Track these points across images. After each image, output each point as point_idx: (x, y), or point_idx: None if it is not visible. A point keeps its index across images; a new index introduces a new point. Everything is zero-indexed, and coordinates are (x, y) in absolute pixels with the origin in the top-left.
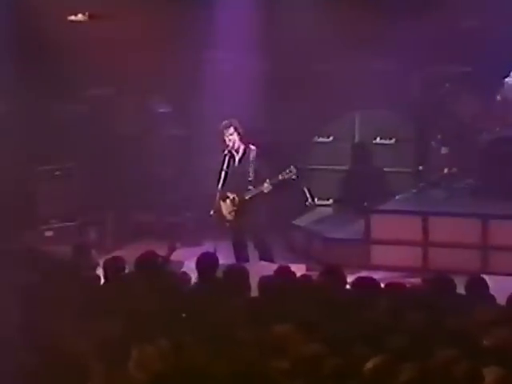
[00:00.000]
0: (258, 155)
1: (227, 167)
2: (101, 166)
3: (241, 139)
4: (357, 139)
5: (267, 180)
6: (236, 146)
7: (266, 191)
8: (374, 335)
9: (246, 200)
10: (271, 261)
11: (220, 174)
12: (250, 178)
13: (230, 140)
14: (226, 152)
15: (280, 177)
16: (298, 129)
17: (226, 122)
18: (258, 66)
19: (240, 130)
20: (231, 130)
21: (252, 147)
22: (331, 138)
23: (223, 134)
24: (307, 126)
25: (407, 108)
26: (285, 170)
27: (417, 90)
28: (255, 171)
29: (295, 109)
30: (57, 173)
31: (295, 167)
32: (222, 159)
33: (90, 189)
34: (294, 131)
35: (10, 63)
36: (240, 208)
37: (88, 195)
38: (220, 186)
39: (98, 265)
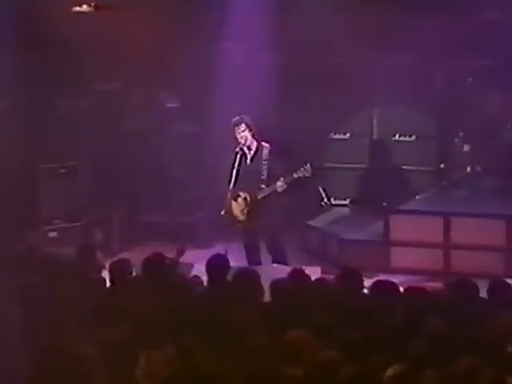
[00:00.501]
0: (271, 153)
1: (239, 165)
2: (107, 164)
3: (253, 136)
4: (375, 136)
5: (281, 178)
6: (248, 143)
7: (279, 190)
8: (393, 342)
9: (259, 199)
10: (285, 263)
11: (231, 172)
12: (262, 177)
13: (241, 137)
14: (237, 149)
15: (295, 175)
16: (313, 125)
17: (237, 118)
18: (272, 60)
19: (252, 127)
20: (243, 126)
21: (265, 144)
22: (348, 135)
23: (234, 131)
24: (323, 122)
25: (428, 103)
26: (299, 168)
27: (438, 85)
28: (268, 169)
29: (310, 104)
30: (61, 171)
31: (310, 165)
32: (233, 157)
33: (96, 187)
34: (309, 127)
35: (11, 56)
36: (252, 208)
37: (93, 194)
38: (231, 185)
39: (103, 267)
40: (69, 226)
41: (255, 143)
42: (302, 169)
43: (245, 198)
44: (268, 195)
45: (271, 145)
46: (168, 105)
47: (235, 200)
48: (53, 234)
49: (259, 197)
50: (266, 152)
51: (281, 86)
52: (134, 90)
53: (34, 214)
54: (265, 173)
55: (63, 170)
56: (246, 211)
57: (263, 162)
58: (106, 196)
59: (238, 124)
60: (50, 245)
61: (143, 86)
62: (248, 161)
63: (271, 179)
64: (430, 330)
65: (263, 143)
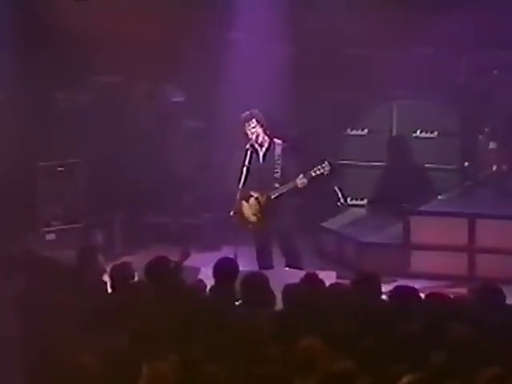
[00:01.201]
0: (284, 149)
1: (249, 163)
2: (108, 162)
3: (265, 132)
4: (395, 132)
5: (301, 175)
6: (260, 139)
7: (300, 186)
8: (412, 351)
9: (272, 199)
10: (298, 267)
11: (241, 170)
12: (276, 175)
13: (252, 133)
14: (247, 146)
15: (312, 173)
16: (328, 120)
17: (247, 113)
18: (284, 50)
19: (263, 122)
20: (253, 122)
21: (277, 141)
22: (366, 131)
23: (244, 127)
24: (339, 118)
25: (451, 97)
26: (317, 166)
27: (462, 78)
28: (282, 167)
29: (326, 98)
30: (59, 169)
31: (329, 162)
32: (243, 154)
33: (96, 187)
34: (324, 123)
35: (7, 48)
36: (265, 208)
37: (94, 194)
38: (241, 184)
39: (104, 272)
40: (68, 227)
41: (267, 140)
42: (319, 166)
43: (257, 198)
44: (281, 195)
45: (284, 141)
46: (173, 99)
47: (247, 200)
48: (51, 237)
49: (273, 196)
50: (279, 149)
51: (294, 78)
52: (137, 83)
53: (30, 214)
54: (278, 171)
55: (62, 168)
56: (258, 212)
57: (276, 160)
58: (108, 196)
59: (248, 120)
60: (48, 248)
61: (147, 78)
62: (260, 158)
63: (285, 178)
64: (452, 338)
65: (276, 140)
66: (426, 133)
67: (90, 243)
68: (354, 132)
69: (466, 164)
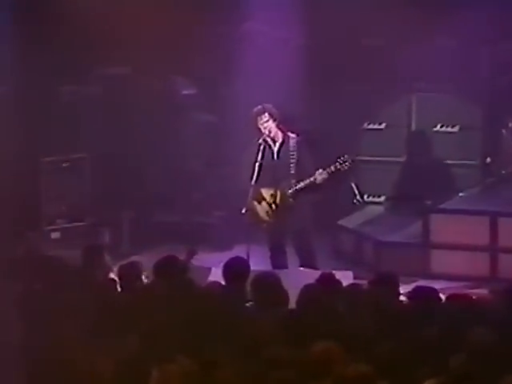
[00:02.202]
0: (299, 144)
1: (262, 159)
2: (115, 157)
3: (278, 126)
4: (414, 127)
5: (320, 170)
6: (273, 134)
7: (319, 181)
8: (432, 355)
9: (287, 196)
10: (313, 267)
11: (254, 166)
12: (291, 171)
13: (265, 128)
14: (260, 141)
15: (332, 168)
16: (344, 114)
17: (259, 107)
18: (298, 41)
19: (276, 116)
20: (266, 116)
21: (292, 135)
22: (384, 125)
23: (257, 122)
24: (356, 111)
25: (473, 90)
26: (337, 161)
27: (485, 70)
28: (297, 163)
29: (342, 91)
30: (64, 164)
31: (348, 156)
32: (255, 149)
33: (104, 183)
34: (339, 116)
35: (9, 38)
36: (280, 206)
37: (101, 191)
38: (254, 180)
39: (111, 272)
40: (73, 226)
41: (280, 134)
42: (340, 160)
43: (272, 195)
44: (298, 191)
45: (298, 135)
46: (184, 92)
47: (260, 198)
48: (55, 235)
49: (289, 192)
50: (293, 144)
51: (309, 70)
52: (146, 75)
53: (34, 212)
54: (293, 167)
55: (67, 164)
56: (271, 210)
57: (290, 155)
58: (115, 193)
59: (260, 114)
60: (52, 247)
61: (156, 70)
62: (274, 154)
63: (300, 173)
64: (474, 342)
65: (290, 134)
66: (447, 127)
67: (96, 242)
68: (371, 126)
69: (489, 160)
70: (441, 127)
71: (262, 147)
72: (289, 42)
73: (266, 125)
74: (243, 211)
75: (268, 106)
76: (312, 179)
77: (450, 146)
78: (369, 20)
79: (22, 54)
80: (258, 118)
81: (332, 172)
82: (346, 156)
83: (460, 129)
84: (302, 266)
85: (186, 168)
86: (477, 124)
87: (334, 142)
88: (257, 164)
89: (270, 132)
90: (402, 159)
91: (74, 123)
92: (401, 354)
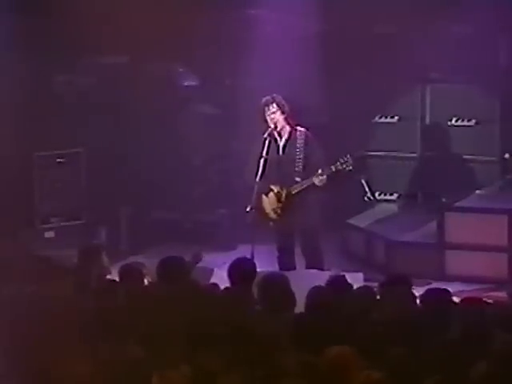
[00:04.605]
0: (307, 138)
1: (267, 154)
2: (113, 152)
3: (286, 119)
4: (428, 120)
5: (319, 170)
6: (279, 127)
7: (318, 184)
8: (448, 361)
9: (294, 194)
10: (322, 268)
11: (258, 162)
12: (297, 168)
13: (272, 119)
14: (265, 135)
15: (333, 168)
16: (355, 106)
17: (268, 97)
18: (307, 28)
19: (285, 108)
20: (273, 107)
21: (300, 129)
22: (396, 119)
23: (264, 113)
24: (367, 103)
25: (491, 82)
26: (338, 160)
27: (503, 60)
28: (304, 159)
29: (352, 81)
30: (59, 160)
31: (351, 156)
32: (261, 144)
33: (101, 180)
34: (349, 109)
35: (3, 27)
36: (287, 204)
37: (98, 187)
38: (259, 176)
39: (109, 273)
40: (68, 224)
41: (288, 128)
42: (341, 160)
43: (277, 193)
44: (303, 189)
45: (307, 129)
46: (186, 83)
47: (266, 195)
48: (50, 234)
49: (294, 191)
50: (301, 138)
51: (316, 59)
52: (145, 65)
53: (27, 210)
54: (300, 163)
55: (62, 159)
56: (279, 208)
57: (297, 151)
58: (112, 189)
59: (268, 104)
60: (47, 246)
61: (156, 59)
62: (280, 149)
63: (308, 170)
64: (492, 347)
65: (298, 127)
66: (463, 121)
67: (92, 242)
68: (383, 119)
69: (507, 156)
70: (456, 121)
71: (267, 141)
72: (296, 29)
73: (273, 116)
74: (248, 209)
75: (277, 96)
76: (310, 182)
77: (466, 140)
78: (381, 6)
79: (12, 43)
80: (266, 109)
81: (333, 173)
82: (347, 157)
83: (477, 122)
84: (309, 268)
85: (188, 163)
86: (494, 117)
87: (344, 136)
88: (261, 160)
89: (276, 124)
90: (415, 154)
91: (69, 116)
92: (414, 361)
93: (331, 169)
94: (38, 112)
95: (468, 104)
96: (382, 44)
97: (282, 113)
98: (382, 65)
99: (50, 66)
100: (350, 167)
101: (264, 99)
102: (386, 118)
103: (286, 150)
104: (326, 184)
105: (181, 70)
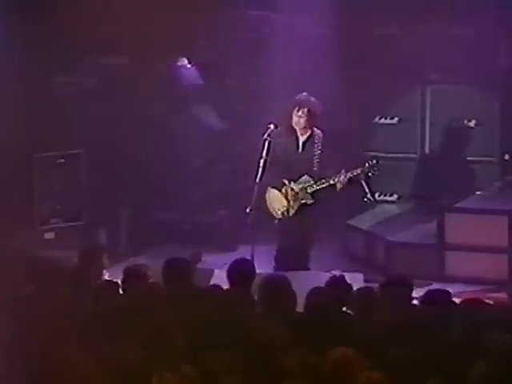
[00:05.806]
0: (324, 141)
1: (267, 154)
2: (113, 153)
3: (307, 121)
4: (428, 121)
5: (342, 171)
6: (302, 126)
7: (338, 186)
8: (449, 363)
9: (307, 195)
10: (321, 269)
11: (259, 162)
12: (314, 168)
13: (299, 117)
14: (265, 136)
15: (354, 172)
16: (354, 107)
17: (303, 99)
18: (306, 30)
19: (317, 114)
20: (305, 112)
21: (317, 130)
22: (396, 119)
23: (292, 109)
24: (366, 104)
25: (491, 83)
26: (366, 164)
27: (503, 61)
28: (320, 160)
29: (351, 82)
30: (59, 161)
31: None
32: (260, 145)
33: (101, 181)
34: (349, 110)
35: (3, 27)
36: (298, 204)
37: (98, 188)
38: (258, 178)
39: (108, 274)
40: (68, 225)
41: (309, 129)
42: (366, 165)
43: (293, 192)
44: (320, 191)
45: (323, 132)
46: (186, 84)
47: (279, 190)
48: (49, 235)
49: (309, 191)
50: (318, 139)
51: (316, 60)
52: (145, 66)
53: (26, 211)
54: (316, 164)
55: (62, 160)
56: (288, 207)
57: (314, 152)
58: (112, 190)
59: (301, 106)
60: (47, 248)
61: (157, 61)
62: (299, 146)
63: (321, 171)
64: (492, 349)
65: (315, 129)
66: (463, 122)
67: (92, 243)
68: (382, 120)
69: (507, 157)
70: (456, 122)
71: (267, 143)
72: (296, 30)
73: (301, 120)
74: (247, 210)
75: (313, 101)
76: (332, 182)
77: (467, 141)
78: (381, 7)
79: (12, 43)
80: (297, 108)
81: (355, 176)
82: (374, 161)
83: (477, 123)
84: (309, 268)
85: (188, 164)
86: (495, 118)
87: (343, 137)
88: (261, 160)
89: (300, 126)
90: (415, 155)
91: (70, 117)
92: (414, 362)
93: (357, 172)
94: (38, 113)
95: (468, 105)
96: (382, 45)
97: (313, 117)
98: (382, 65)
99: (51, 67)
100: (376, 172)
101: (298, 99)
102: (386, 119)
103: (306, 147)
104: (345, 186)
105: (182, 70)
